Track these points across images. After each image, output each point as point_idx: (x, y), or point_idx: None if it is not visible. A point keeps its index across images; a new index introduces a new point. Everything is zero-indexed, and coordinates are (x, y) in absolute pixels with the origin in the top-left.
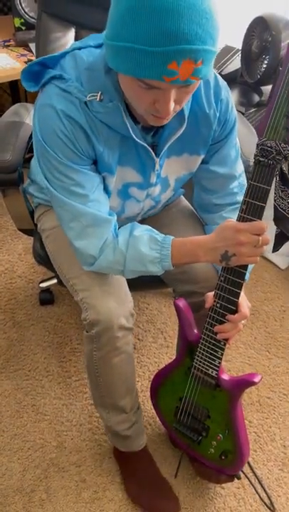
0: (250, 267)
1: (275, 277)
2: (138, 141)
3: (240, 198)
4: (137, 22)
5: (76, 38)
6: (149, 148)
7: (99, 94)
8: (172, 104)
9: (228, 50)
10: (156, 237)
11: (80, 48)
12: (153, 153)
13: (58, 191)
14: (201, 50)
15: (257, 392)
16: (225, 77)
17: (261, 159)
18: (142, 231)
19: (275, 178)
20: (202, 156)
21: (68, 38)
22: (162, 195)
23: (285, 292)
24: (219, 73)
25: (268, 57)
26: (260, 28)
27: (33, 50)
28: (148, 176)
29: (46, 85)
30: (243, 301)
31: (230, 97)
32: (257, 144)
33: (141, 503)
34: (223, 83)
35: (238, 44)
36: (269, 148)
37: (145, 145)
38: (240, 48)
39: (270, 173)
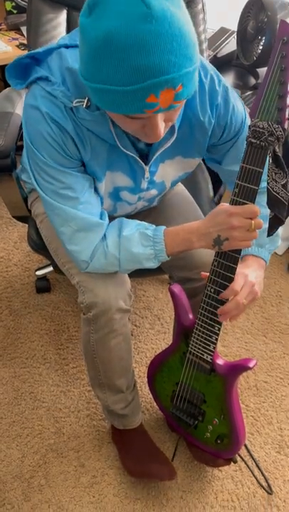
0: (272, 247)
1: (272, 262)
2: (125, 151)
3: (264, 183)
4: (105, 64)
5: (68, 20)
6: (137, 158)
7: (86, 101)
8: (162, 125)
9: (223, 32)
10: (147, 233)
11: (67, 46)
12: (142, 162)
13: (47, 195)
14: (177, 76)
15: (254, 376)
16: (220, 59)
17: (253, 141)
18: (132, 229)
19: (268, 160)
20: (198, 159)
21: (60, 20)
22: (158, 197)
23: (282, 277)
24: (214, 56)
25: (264, 38)
26: (256, 9)
27: (25, 34)
28: (139, 182)
29: (32, 85)
30: (239, 277)
31: (231, 97)
32: (249, 126)
33: (138, 474)
34: (220, 86)
35: (233, 26)
36: (261, 130)
37: (132, 154)
38: (235, 30)
39: (262, 155)
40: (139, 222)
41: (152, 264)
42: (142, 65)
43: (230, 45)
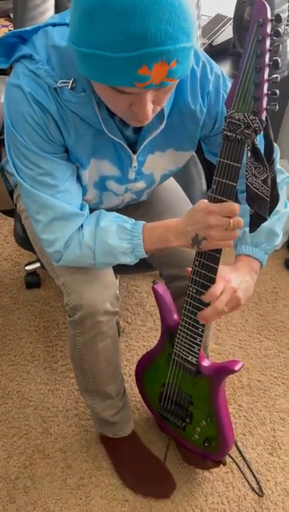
0: (269, 246)
1: (268, 257)
2: (111, 136)
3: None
4: (98, 26)
5: (56, 5)
6: (124, 145)
7: (71, 82)
8: (150, 106)
9: (219, 19)
10: (125, 226)
11: (54, 25)
12: (129, 150)
13: (25, 181)
14: (173, 50)
15: (247, 375)
16: (216, 47)
17: (229, 134)
18: (109, 220)
19: (246, 154)
20: (191, 152)
21: (47, 6)
22: (146, 190)
23: (278, 273)
24: (210, 44)
25: None
26: None
27: None
28: (126, 171)
29: (16, 63)
30: (219, 282)
31: (222, 86)
32: (225, 117)
33: (135, 489)
34: (212, 74)
35: (229, 12)
36: (237, 122)
37: (119, 140)
38: (232, 17)
39: (239, 149)
40: (118, 214)
41: (129, 260)
42: (136, 32)
43: (227, 33)
